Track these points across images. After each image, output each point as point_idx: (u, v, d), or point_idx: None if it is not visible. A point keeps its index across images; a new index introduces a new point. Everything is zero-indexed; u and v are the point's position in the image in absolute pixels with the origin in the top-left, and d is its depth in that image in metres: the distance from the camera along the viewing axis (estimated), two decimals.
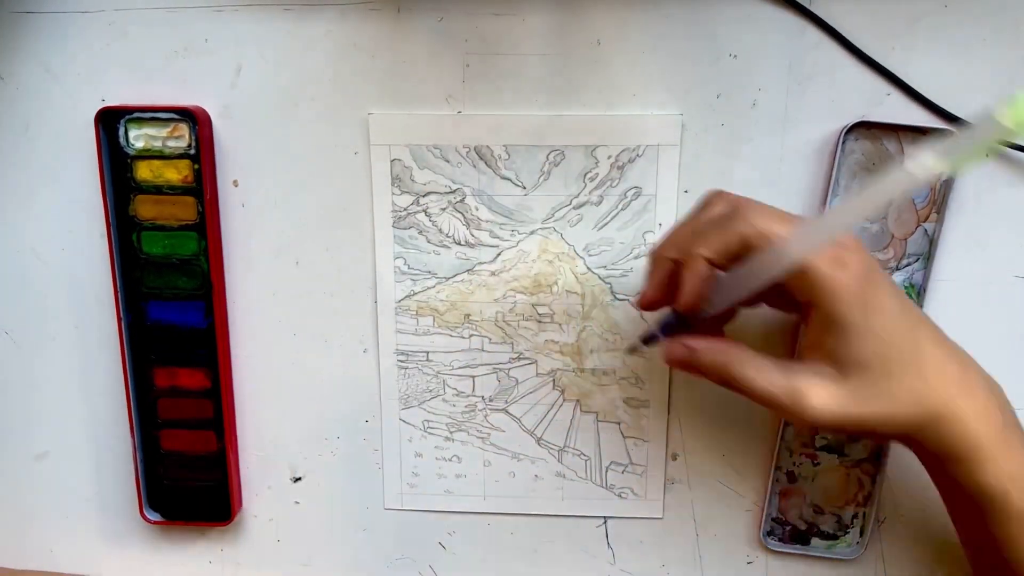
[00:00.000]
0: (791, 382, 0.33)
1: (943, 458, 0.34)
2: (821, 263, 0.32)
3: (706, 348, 0.35)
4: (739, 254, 0.33)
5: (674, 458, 0.46)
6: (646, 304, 0.38)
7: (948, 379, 0.33)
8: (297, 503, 0.48)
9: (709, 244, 0.34)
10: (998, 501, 0.33)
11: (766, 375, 0.34)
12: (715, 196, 0.36)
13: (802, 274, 0.32)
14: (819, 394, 0.33)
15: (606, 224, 0.43)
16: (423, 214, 0.44)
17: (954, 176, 0.27)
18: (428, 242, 0.44)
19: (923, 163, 0.27)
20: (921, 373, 0.33)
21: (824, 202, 0.41)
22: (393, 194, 0.43)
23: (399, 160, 0.43)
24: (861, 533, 0.45)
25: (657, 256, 0.37)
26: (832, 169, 0.41)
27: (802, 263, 0.32)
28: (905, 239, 0.42)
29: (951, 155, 0.27)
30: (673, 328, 0.37)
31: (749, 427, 0.45)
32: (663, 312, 0.38)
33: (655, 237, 0.43)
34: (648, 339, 0.39)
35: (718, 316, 0.37)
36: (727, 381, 0.35)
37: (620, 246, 0.43)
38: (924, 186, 0.27)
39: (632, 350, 0.44)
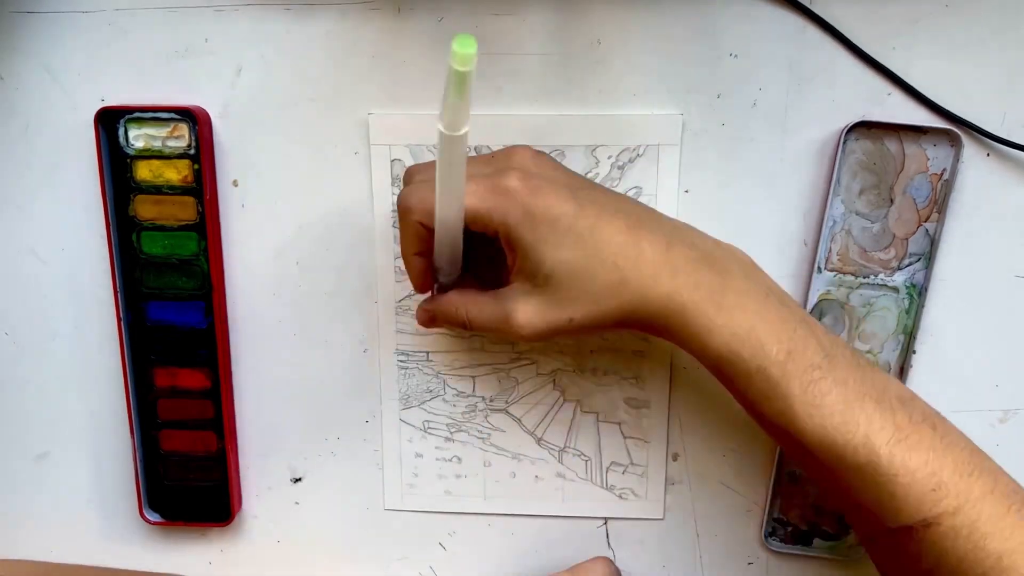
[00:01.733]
0: (501, 308, 0.36)
1: (670, 337, 0.35)
2: (478, 201, 0.34)
3: (436, 305, 0.39)
4: (429, 234, 0.36)
5: (675, 459, 0.46)
6: (419, 291, 0.40)
7: (644, 263, 0.34)
8: (297, 503, 0.48)
9: (407, 243, 0.37)
10: (731, 363, 0.34)
11: (483, 308, 0.37)
12: (403, 178, 0.39)
13: (471, 218, 0.34)
14: (523, 311, 0.35)
15: None
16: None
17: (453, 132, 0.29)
18: None
19: (446, 120, 0.29)
20: (610, 265, 0.34)
21: (825, 202, 0.41)
22: (393, 194, 0.43)
23: (399, 160, 0.43)
24: None
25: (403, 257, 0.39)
26: (833, 169, 0.41)
27: (465, 210, 0.34)
28: (906, 239, 0.42)
29: (451, 104, 0.29)
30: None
31: (750, 427, 0.45)
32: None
33: None
34: None
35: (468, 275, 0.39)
36: (463, 325, 0.38)
37: None
38: (454, 141, 0.30)
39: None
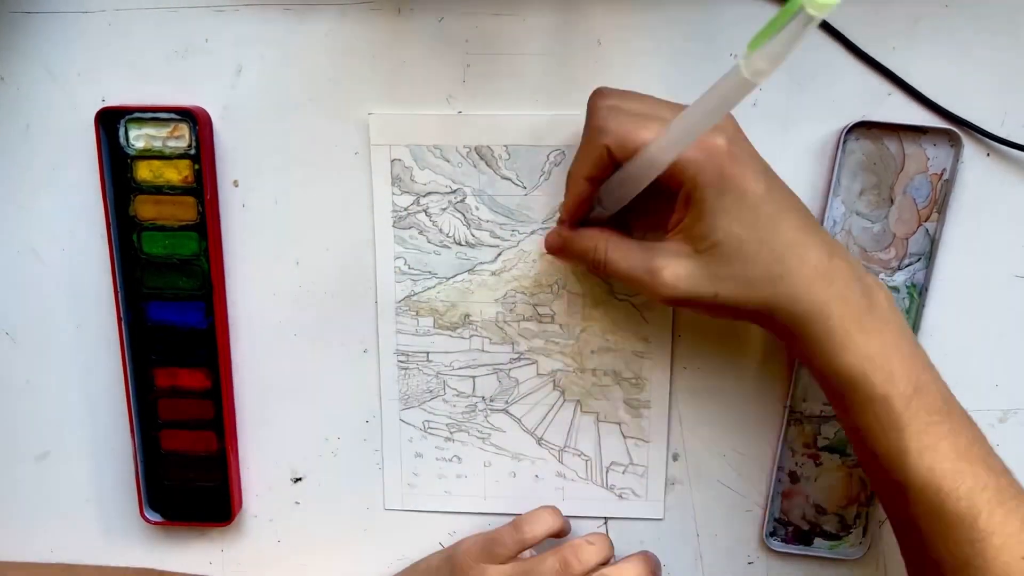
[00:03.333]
0: (650, 261, 0.35)
1: (800, 341, 0.35)
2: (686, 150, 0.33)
3: (577, 235, 0.38)
4: (611, 163, 0.35)
5: (675, 458, 0.46)
6: (570, 221, 0.39)
7: (807, 265, 0.34)
8: (297, 503, 0.48)
9: (582, 164, 0.36)
10: (856, 383, 0.34)
11: (627, 254, 0.36)
12: (591, 99, 0.37)
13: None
14: (674, 270, 0.35)
15: None
16: (423, 214, 0.44)
17: (775, 66, 0.27)
18: (428, 242, 0.44)
19: (754, 66, 0.27)
20: (778, 257, 0.34)
21: (825, 202, 0.41)
22: (393, 194, 0.43)
23: (399, 160, 0.43)
24: (864, 533, 0.45)
25: (570, 176, 0.38)
26: (833, 169, 0.41)
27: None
28: (907, 239, 0.42)
29: (773, 51, 0.26)
30: None
31: (750, 427, 0.45)
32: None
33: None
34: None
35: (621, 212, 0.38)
36: (598, 264, 0.37)
37: None
38: (744, 87, 0.27)
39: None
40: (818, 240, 0.35)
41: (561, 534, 0.45)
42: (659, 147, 0.32)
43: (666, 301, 0.35)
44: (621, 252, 0.36)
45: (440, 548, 0.48)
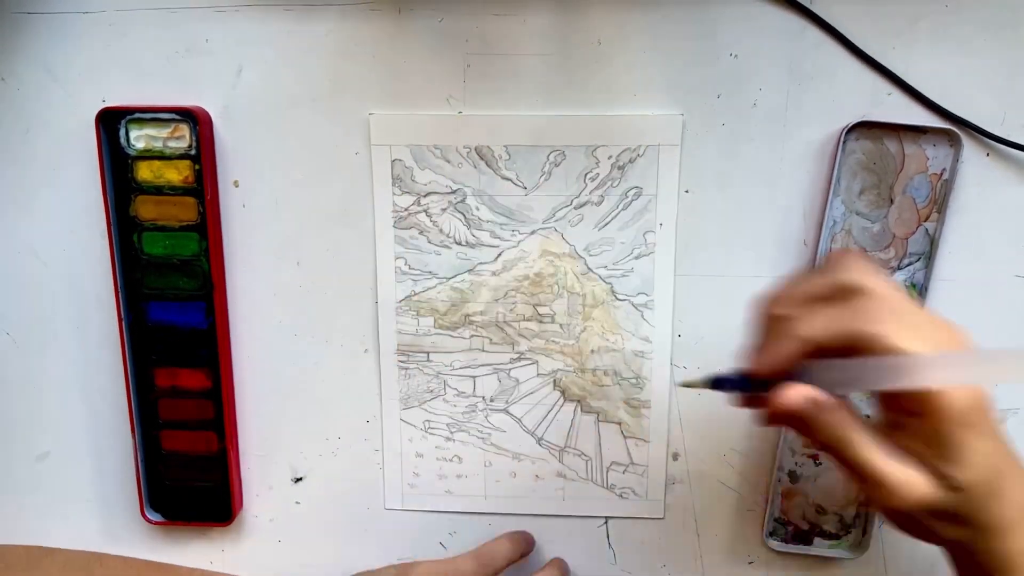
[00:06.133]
0: (906, 473, 0.30)
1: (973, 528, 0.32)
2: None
3: (829, 408, 0.31)
4: (845, 349, 0.30)
5: (675, 458, 0.46)
6: (763, 368, 0.32)
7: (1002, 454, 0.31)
8: (298, 503, 0.48)
9: (813, 327, 0.30)
10: (1014, 572, 0.33)
11: (883, 457, 0.31)
12: (845, 259, 0.31)
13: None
14: (923, 491, 0.30)
15: (607, 224, 0.43)
16: (424, 214, 0.44)
17: None
18: (429, 242, 0.44)
19: None
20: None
21: (825, 202, 0.41)
22: (394, 194, 0.43)
23: (400, 160, 0.43)
24: (863, 533, 0.45)
25: (765, 315, 0.32)
26: (833, 169, 0.41)
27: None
28: (906, 238, 0.42)
29: None
30: (744, 384, 0.34)
31: (750, 427, 0.45)
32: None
33: (656, 237, 0.43)
34: (717, 384, 0.35)
35: None
36: (837, 449, 0.31)
37: (621, 246, 0.43)
38: None
39: (688, 385, 0.37)
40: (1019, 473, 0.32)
41: (524, 556, 0.45)
42: (933, 365, 0.28)
43: (889, 511, 0.33)
44: (874, 450, 0.31)
45: (441, 547, 0.48)
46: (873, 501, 0.36)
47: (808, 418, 0.31)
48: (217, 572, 0.49)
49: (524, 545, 0.46)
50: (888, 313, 0.29)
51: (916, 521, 0.33)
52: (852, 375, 0.30)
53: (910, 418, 0.30)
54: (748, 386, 0.33)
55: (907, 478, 0.30)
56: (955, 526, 0.32)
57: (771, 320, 0.32)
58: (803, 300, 0.31)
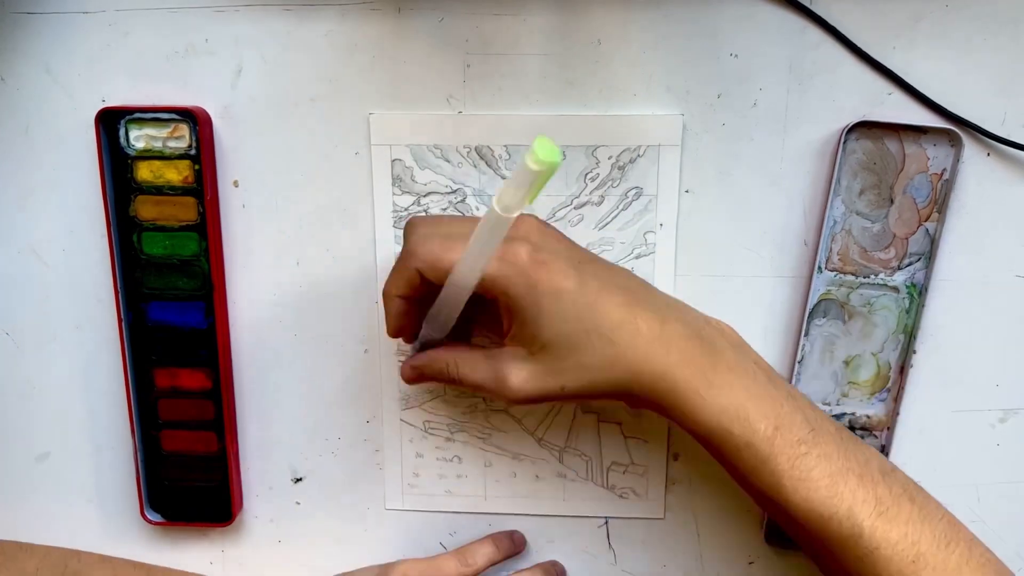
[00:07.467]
0: (495, 369, 0.37)
1: (661, 412, 0.36)
2: (489, 265, 0.34)
3: (427, 361, 0.40)
4: (426, 283, 0.36)
5: (675, 458, 0.46)
6: (392, 335, 0.40)
7: (640, 338, 0.35)
8: (298, 504, 0.48)
9: (394, 283, 0.37)
10: (721, 439, 0.35)
11: (475, 366, 0.38)
12: (407, 226, 0.38)
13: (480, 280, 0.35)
14: (518, 375, 0.36)
15: (607, 224, 0.43)
16: (424, 214, 0.44)
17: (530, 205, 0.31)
18: None
19: (503, 203, 0.30)
20: (607, 339, 0.35)
21: (825, 202, 0.41)
22: (394, 194, 0.43)
23: (400, 160, 0.43)
24: None
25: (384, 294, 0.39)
26: (833, 169, 0.41)
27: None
28: (907, 238, 0.42)
29: (515, 195, 0.30)
30: (426, 347, 0.40)
31: None
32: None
33: (656, 237, 0.43)
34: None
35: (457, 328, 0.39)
36: (452, 381, 0.39)
37: (621, 246, 0.43)
38: (502, 223, 0.31)
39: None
40: (647, 311, 0.35)
41: (510, 557, 0.46)
42: (460, 271, 0.34)
43: (519, 403, 0.37)
44: (470, 365, 0.38)
45: (441, 547, 0.48)
46: (501, 403, 0.45)
47: (425, 377, 0.40)
48: (192, 573, 0.49)
49: (510, 546, 0.46)
50: (423, 240, 0.36)
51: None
52: (441, 306, 0.37)
53: (499, 307, 0.36)
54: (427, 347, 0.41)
55: (496, 373, 0.36)
56: (608, 384, 0.36)
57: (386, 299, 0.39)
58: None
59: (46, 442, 0.49)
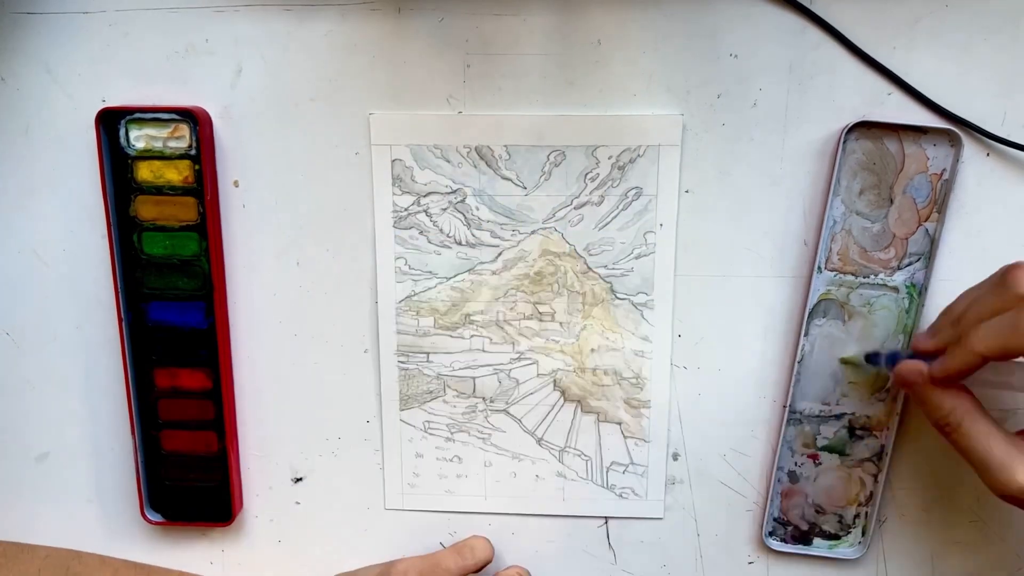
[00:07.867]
0: (1010, 456, 0.34)
1: None
2: None
3: (940, 391, 0.36)
4: (1018, 355, 0.33)
5: (675, 458, 0.46)
6: (918, 350, 0.38)
7: None
8: (298, 503, 0.48)
9: (988, 342, 0.33)
10: None
11: (988, 437, 0.34)
12: (1019, 273, 0.34)
13: None
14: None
15: (607, 224, 0.43)
16: (424, 214, 0.44)
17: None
18: (429, 242, 0.44)
19: None
20: None
21: (825, 202, 0.41)
22: (394, 194, 0.43)
23: (400, 160, 0.43)
24: (863, 533, 0.45)
25: (941, 324, 0.37)
26: (833, 169, 0.41)
27: None
28: (906, 238, 0.42)
29: None
30: (892, 361, 0.39)
31: (750, 427, 0.45)
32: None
33: (656, 237, 0.43)
34: (871, 358, 0.42)
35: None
36: (949, 427, 0.35)
37: (621, 246, 0.43)
38: None
39: (846, 362, 0.43)
40: None
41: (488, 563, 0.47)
42: None
43: (1008, 498, 0.34)
44: (981, 429, 0.35)
45: (441, 547, 0.48)
46: (986, 484, 0.37)
47: (920, 394, 0.36)
48: (192, 574, 0.49)
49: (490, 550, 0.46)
50: None
51: None
52: (1003, 376, 0.35)
53: None
54: (894, 363, 0.39)
55: (1011, 461, 0.33)
56: None
57: (950, 327, 0.36)
58: (978, 317, 0.34)
59: (46, 442, 0.49)
